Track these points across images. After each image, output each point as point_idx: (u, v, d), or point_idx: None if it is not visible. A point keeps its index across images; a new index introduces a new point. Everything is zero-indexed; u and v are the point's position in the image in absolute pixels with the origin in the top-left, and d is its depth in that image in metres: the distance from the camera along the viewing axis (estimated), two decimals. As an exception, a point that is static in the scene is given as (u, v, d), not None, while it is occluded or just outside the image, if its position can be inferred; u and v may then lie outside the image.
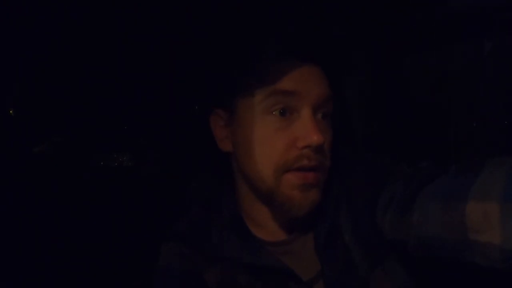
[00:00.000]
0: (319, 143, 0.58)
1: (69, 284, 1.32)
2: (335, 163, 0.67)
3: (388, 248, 0.62)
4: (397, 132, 1.22)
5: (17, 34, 1.28)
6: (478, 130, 1.24)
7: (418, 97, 1.23)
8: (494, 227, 0.46)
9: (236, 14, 0.88)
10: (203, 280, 0.62)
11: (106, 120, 1.62)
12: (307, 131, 0.59)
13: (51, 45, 1.38)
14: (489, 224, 0.46)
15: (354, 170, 0.69)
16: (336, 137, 0.67)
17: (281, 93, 0.59)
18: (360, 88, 1.19)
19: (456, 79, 1.21)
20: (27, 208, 1.44)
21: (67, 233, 1.42)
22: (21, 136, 1.53)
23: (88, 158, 1.66)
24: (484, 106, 1.21)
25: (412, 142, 1.22)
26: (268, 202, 0.64)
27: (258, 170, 0.61)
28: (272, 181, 0.60)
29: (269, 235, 0.66)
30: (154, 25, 1.19)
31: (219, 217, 0.68)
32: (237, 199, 0.69)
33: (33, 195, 1.48)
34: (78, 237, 1.40)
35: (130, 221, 1.41)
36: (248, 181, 0.64)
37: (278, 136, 0.60)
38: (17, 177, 1.48)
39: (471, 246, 0.48)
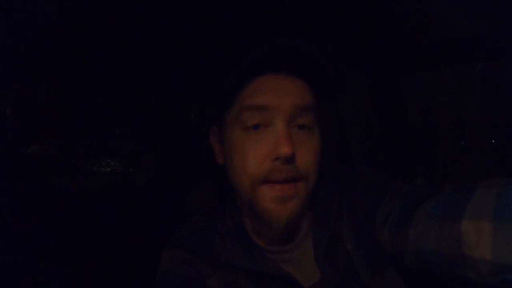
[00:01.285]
0: (287, 155, 0.59)
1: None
2: (332, 176, 0.69)
3: (387, 258, 0.65)
4: (391, 148, 1.25)
5: (18, 34, 1.28)
6: (465, 148, 1.29)
7: (411, 116, 1.27)
8: (486, 244, 0.48)
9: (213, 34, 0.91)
10: (206, 287, 0.63)
11: (102, 125, 1.62)
12: (277, 142, 0.60)
13: (51, 46, 1.38)
14: (482, 241, 0.49)
15: (354, 184, 0.71)
16: (331, 149, 0.69)
17: (254, 108, 0.61)
18: (359, 106, 1.22)
19: (446, 99, 1.26)
20: (15, 209, 1.42)
21: (56, 236, 1.41)
22: (16, 136, 1.52)
23: (81, 162, 1.65)
24: (473, 126, 1.26)
25: (405, 158, 1.25)
26: (252, 213, 0.66)
27: (238, 183, 0.64)
28: (250, 193, 0.62)
29: (269, 244, 0.67)
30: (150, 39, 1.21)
31: (222, 225, 0.69)
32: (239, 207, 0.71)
33: (22, 195, 1.47)
34: (68, 240, 1.38)
35: (124, 228, 1.40)
36: (236, 192, 0.67)
37: (254, 149, 0.62)
38: (8, 177, 1.47)
39: (465, 261, 0.51)
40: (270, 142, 0.61)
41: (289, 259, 0.67)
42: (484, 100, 1.27)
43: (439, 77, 1.19)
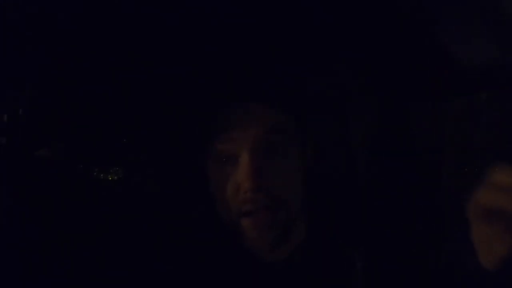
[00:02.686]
0: (251, 188, 0.60)
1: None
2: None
3: None
4: (394, 172, 1.26)
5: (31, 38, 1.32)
6: (468, 175, 1.30)
7: (416, 141, 1.29)
8: None
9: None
10: None
11: (110, 132, 1.64)
12: (242, 176, 0.61)
13: (66, 52, 1.42)
14: None
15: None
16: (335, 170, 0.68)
17: (222, 141, 0.62)
18: (365, 132, 1.24)
19: (451, 125, 1.28)
20: (20, 211, 1.43)
21: (60, 241, 1.42)
22: (26, 138, 1.54)
23: (87, 168, 1.67)
24: (477, 153, 1.27)
25: (408, 182, 1.26)
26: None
27: (223, 215, 0.66)
28: (234, 226, 0.64)
29: None
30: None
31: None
32: None
33: (28, 198, 1.48)
34: (72, 247, 1.39)
35: (129, 235, 1.41)
36: None
37: (227, 183, 0.63)
38: (16, 179, 1.49)
39: None
40: (238, 175, 0.62)
41: None
42: (488, 128, 1.29)
43: (446, 104, 1.22)
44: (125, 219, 1.42)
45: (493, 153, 1.23)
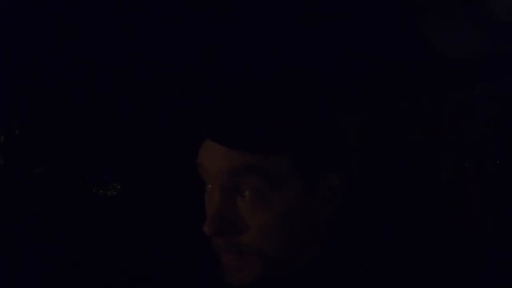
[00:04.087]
0: (207, 234, 0.50)
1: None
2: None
3: None
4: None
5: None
6: (469, 170, 1.28)
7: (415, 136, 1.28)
8: None
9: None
10: None
11: (108, 149, 1.64)
12: (206, 211, 0.53)
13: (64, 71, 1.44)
14: None
15: None
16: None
17: (199, 167, 0.54)
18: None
19: (448, 119, 1.26)
20: (19, 227, 1.43)
21: (60, 256, 1.41)
22: (24, 156, 1.55)
23: (87, 185, 1.67)
24: (476, 146, 1.26)
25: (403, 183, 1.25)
26: None
27: None
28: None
29: None
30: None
31: None
32: None
33: (27, 215, 1.48)
34: (72, 261, 1.38)
35: (128, 250, 1.40)
36: None
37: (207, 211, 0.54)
38: (15, 197, 1.49)
39: None
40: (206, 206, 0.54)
41: None
42: (486, 121, 1.28)
43: (441, 97, 1.21)
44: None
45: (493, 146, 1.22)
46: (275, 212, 0.50)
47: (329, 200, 0.52)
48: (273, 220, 0.50)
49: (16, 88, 1.48)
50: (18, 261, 1.31)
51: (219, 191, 0.51)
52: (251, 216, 0.50)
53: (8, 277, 1.30)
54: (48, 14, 1.13)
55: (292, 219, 0.51)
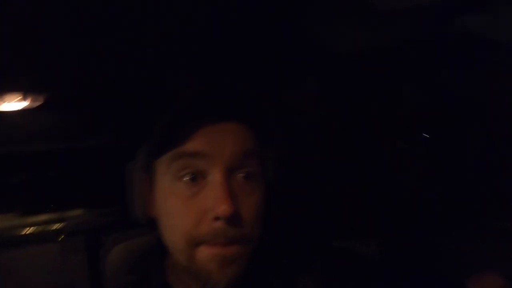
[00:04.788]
0: (226, 214, 0.50)
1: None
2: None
3: None
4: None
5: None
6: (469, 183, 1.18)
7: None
8: None
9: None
10: None
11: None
12: (215, 199, 0.51)
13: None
14: None
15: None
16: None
17: (188, 156, 0.53)
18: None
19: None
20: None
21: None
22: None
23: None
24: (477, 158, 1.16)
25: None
26: (189, 274, 0.57)
27: (172, 242, 0.55)
28: (187, 254, 0.53)
29: None
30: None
31: (146, 285, 0.61)
32: (167, 266, 0.62)
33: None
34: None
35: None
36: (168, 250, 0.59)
37: (189, 207, 0.53)
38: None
39: None
40: (206, 198, 0.52)
41: None
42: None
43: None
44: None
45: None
46: (262, 196, 0.56)
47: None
48: (260, 204, 0.55)
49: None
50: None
51: (225, 177, 0.52)
52: (250, 201, 0.54)
53: None
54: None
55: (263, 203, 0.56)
